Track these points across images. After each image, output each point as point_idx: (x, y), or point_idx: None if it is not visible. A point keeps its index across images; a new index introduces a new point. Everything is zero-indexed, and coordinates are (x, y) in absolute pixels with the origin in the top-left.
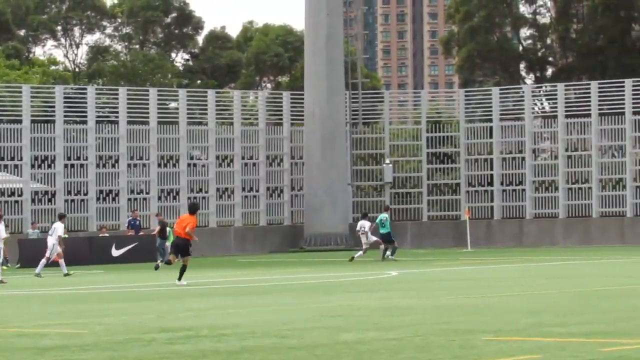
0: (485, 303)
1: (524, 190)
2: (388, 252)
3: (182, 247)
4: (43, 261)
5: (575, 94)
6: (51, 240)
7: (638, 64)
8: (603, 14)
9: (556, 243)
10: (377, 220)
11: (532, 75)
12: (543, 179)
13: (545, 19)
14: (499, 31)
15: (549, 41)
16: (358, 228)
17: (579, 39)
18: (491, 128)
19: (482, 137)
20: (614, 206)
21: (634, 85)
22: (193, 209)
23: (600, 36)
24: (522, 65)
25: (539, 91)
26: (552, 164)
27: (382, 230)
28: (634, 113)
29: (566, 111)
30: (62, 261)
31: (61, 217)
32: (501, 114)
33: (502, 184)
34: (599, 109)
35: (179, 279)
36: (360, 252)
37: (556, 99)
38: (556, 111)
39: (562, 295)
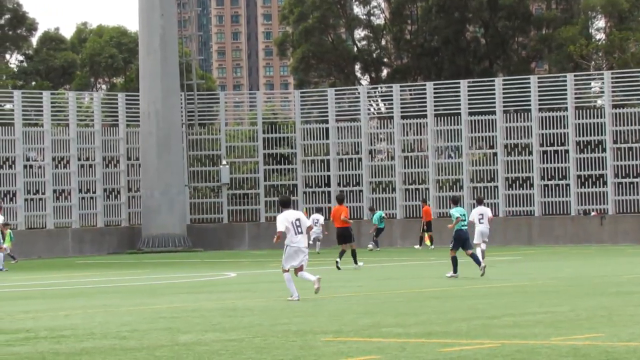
0: (323, 304)
1: (361, 191)
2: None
3: (346, 235)
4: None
5: (410, 94)
6: None
7: (472, 64)
8: (437, 15)
9: (394, 244)
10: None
11: (367, 76)
12: (380, 180)
13: (379, 20)
14: (333, 32)
15: (383, 42)
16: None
17: (413, 40)
18: (327, 129)
19: (318, 138)
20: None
21: (469, 86)
22: (341, 198)
23: (434, 37)
24: (357, 66)
25: (375, 92)
26: (388, 164)
27: (381, 226)
28: (470, 114)
29: (402, 112)
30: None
31: None
32: (337, 115)
33: (339, 185)
34: (435, 110)
35: (355, 262)
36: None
37: (392, 99)
38: (392, 112)
39: (398, 296)
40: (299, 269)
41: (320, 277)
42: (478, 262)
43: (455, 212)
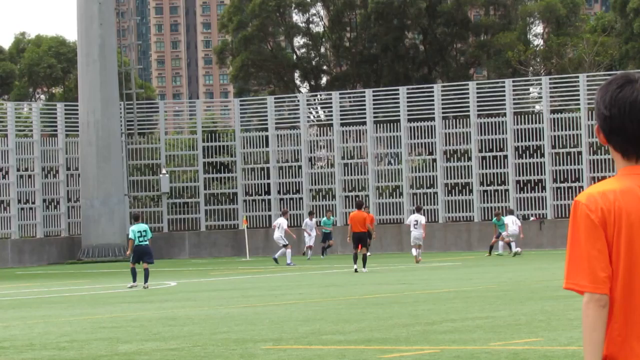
0: (264, 312)
1: (301, 198)
2: None
3: (362, 239)
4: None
5: (350, 102)
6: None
7: (411, 71)
8: (376, 23)
9: (334, 250)
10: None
11: (306, 84)
12: (320, 187)
13: (318, 28)
14: (272, 40)
15: (323, 50)
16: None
17: (352, 47)
18: (267, 137)
19: (258, 146)
20: (392, 214)
21: (408, 93)
22: (360, 203)
23: (373, 44)
24: (296, 74)
25: (314, 100)
26: (328, 172)
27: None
28: (409, 120)
29: (341, 119)
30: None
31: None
32: (277, 123)
33: (279, 192)
34: (374, 117)
35: (364, 266)
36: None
37: (331, 107)
38: (332, 119)
39: (338, 303)
40: None
41: None
42: (146, 277)
43: (131, 231)
